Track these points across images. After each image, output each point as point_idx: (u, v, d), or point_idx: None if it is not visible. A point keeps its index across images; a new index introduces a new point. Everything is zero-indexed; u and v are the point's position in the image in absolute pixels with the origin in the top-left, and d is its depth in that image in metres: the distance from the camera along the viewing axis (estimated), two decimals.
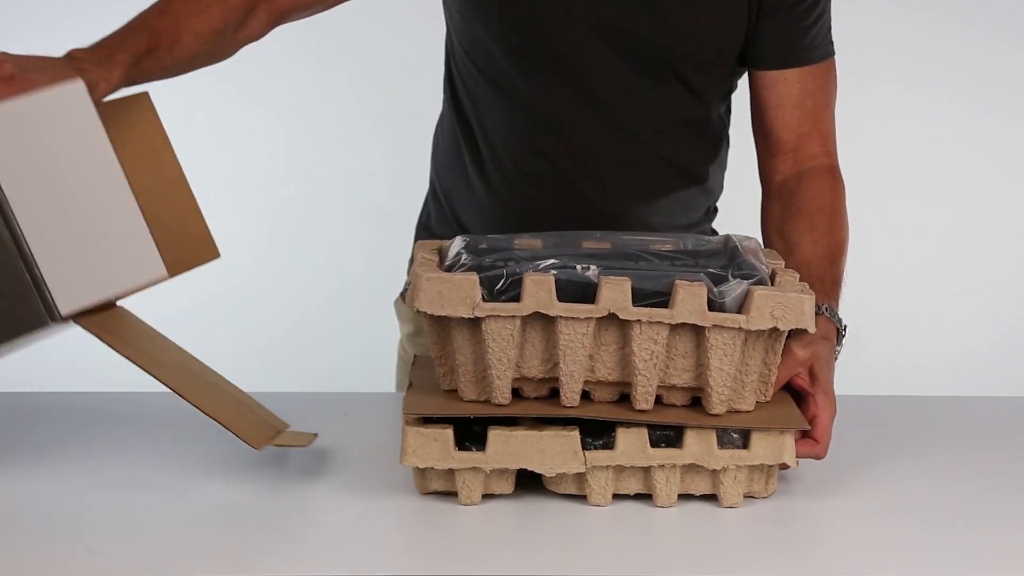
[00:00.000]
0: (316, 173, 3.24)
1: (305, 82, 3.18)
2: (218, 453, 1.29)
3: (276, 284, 3.18)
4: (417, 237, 1.67)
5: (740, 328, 1.14)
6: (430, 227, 1.65)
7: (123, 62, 1.21)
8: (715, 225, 1.66)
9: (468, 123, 1.54)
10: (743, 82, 1.55)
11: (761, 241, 1.47)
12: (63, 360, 3.13)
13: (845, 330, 1.33)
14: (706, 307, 1.13)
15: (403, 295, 1.69)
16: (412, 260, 1.65)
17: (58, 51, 1.22)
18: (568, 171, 1.50)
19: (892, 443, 1.36)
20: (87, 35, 1.26)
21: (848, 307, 1.40)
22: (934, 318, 3.17)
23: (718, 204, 1.65)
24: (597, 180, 1.50)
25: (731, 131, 1.61)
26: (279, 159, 3.24)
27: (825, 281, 1.38)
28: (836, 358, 1.31)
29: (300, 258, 3.19)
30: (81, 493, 1.20)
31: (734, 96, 1.58)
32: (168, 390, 1.17)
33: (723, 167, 1.62)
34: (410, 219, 1.71)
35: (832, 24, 1.50)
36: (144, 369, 1.16)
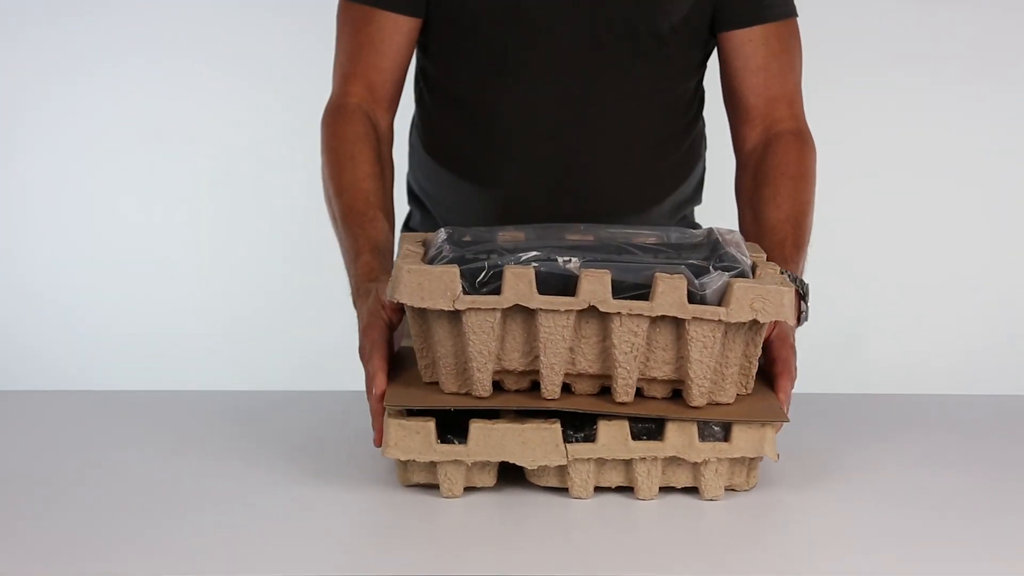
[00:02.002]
0: (297, 173, 3.25)
1: (290, 82, 3.16)
2: (207, 450, 1.30)
3: (256, 283, 3.17)
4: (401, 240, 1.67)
5: (720, 320, 1.14)
6: (413, 228, 1.65)
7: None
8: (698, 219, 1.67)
9: (451, 122, 1.53)
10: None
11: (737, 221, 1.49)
12: (62, 360, 3.16)
13: (806, 289, 1.32)
14: (686, 299, 1.13)
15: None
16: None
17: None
18: (564, 154, 1.49)
19: (882, 439, 1.35)
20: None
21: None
22: (935, 317, 3.15)
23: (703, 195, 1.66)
24: (586, 159, 1.49)
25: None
26: (263, 159, 3.21)
27: (786, 245, 1.39)
28: (805, 318, 1.31)
29: (280, 256, 3.14)
30: (78, 491, 1.20)
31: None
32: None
33: (702, 142, 1.62)
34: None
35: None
36: None
